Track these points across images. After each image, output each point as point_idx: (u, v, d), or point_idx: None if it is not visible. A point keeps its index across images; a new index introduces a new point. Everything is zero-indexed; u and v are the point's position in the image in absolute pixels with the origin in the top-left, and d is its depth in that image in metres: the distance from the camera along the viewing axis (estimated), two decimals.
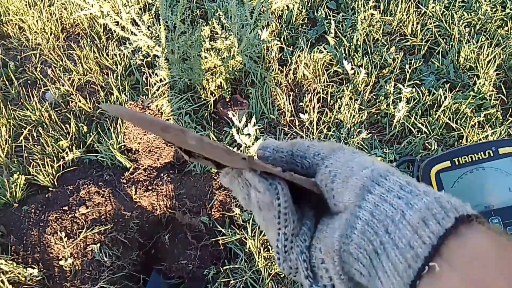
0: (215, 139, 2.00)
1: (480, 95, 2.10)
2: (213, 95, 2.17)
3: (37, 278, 1.71)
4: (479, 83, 2.14)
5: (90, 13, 1.83)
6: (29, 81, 2.36)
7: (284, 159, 0.42)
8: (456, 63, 2.26)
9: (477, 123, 2.04)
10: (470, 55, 2.23)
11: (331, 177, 0.38)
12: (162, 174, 1.95)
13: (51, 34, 2.51)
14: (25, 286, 1.70)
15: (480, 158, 0.63)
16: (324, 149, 0.41)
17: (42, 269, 1.74)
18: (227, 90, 2.14)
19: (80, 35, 2.52)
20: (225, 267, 1.75)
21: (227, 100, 2.15)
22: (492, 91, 2.14)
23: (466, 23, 2.40)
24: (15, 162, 2.02)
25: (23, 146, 2.07)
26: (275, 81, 2.23)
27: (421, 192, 0.34)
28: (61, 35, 2.52)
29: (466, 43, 2.27)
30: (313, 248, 0.39)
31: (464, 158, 0.63)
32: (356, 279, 0.37)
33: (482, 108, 2.10)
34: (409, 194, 0.34)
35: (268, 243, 1.79)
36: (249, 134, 1.94)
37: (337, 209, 0.38)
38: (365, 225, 0.35)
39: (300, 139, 0.42)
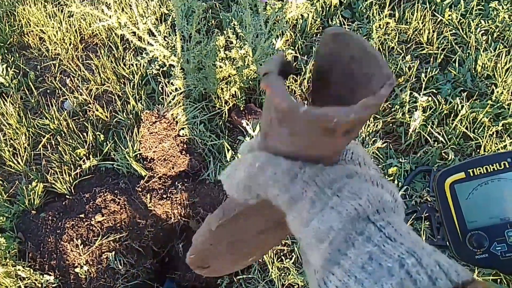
0: (229, 147, 2.01)
1: (498, 104, 2.07)
2: (228, 104, 2.18)
3: (53, 285, 1.74)
4: (497, 91, 2.10)
5: (108, 24, 1.87)
6: (48, 91, 2.41)
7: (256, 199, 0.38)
8: (473, 71, 2.22)
9: (495, 132, 2.00)
10: (487, 63, 2.20)
11: (297, 238, 0.35)
12: (176, 183, 1.96)
13: (70, 44, 2.57)
14: None
15: (496, 169, 0.62)
16: (281, 197, 0.34)
17: (58, 276, 1.76)
18: (241, 99, 2.15)
19: (98, 46, 2.57)
20: (238, 277, 1.74)
21: (241, 109, 2.16)
22: (511, 99, 2.10)
23: (484, 31, 2.37)
24: (34, 169, 2.07)
25: (42, 154, 2.11)
26: (289, 90, 2.23)
27: (384, 272, 0.29)
28: (80, 46, 2.58)
29: (483, 51, 2.24)
30: None
31: (479, 169, 0.62)
32: None
33: (500, 117, 2.06)
34: (371, 276, 0.29)
35: (281, 253, 1.79)
36: None
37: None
38: None
39: (250, 170, 0.36)
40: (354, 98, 0.34)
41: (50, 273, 1.76)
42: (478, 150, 1.97)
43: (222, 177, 0.40)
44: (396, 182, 1.90)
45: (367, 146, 1.99)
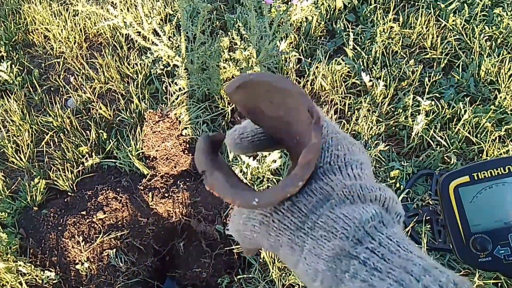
0: None
1: (501, 109, 2.07)
2: (231, 104, 2.19)
3: (54, 281, 1.74)
4: (500, 97, 2.10)
5: (113, 24, 1.87)
6: (52, 88, 2.42)
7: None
8: (477, 76, 2.23)
9: (497, 137, 2.00)
10: (491, 68, 2.21)
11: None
12: (178, 182, 1.97)
13: (74, 43, 2.58)
14: None
15: (500, 173, 0.62)
16: (265, 245, 0.36)
17: (59, 272, 1.77)
18: None
19: (103, 45, 2.58)
20: (238, 277, 1.75)
21: None
22: None
23: (487, 37, 2.37)
24: (36, 166, 2.07)
25: (45, 151, 2.12)
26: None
27: None
28: (84, 44, 2.59)
29: (487, 57, 2.25)
30: None
31: (484, 173, 0.63)
32: None
33: (503, 123, 2.07)
34: None
35: None
36: None
37: None
38: None
39: (239, 227, 0.39)
40: (291, 117, 0.37)
41: (51, 269, 1.76)
42: (480, 155, 1.98)
43: (231, 230, 0.42)
44: (398, 185, 1.91)
45: (369, 148, 2.00)
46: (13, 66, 2.44)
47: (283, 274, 1.72)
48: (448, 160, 1.95)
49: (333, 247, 0.32)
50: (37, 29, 2.68)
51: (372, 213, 0.33)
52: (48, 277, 1.72)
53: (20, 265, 1.71)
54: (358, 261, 0.31)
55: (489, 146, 1.96)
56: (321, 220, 0.33)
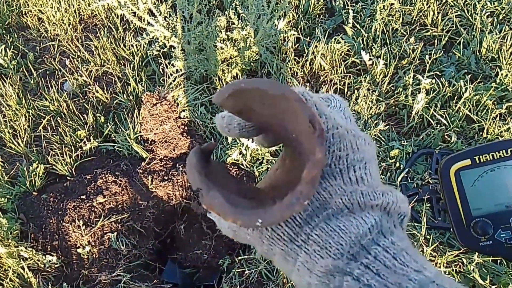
0: None
1: (502, 87, 2.05)
2: None
3: (56, 265, 1.75)
4: (501, 74, 2.08)
5: (108, 4, 1.83)
6: (47, 72, 2.39)
7: None
8: (478, 53, 2.20)
9: (498, 115, 1.99)
10: (492, 45, 2.17)
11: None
12: (178, 165, 1.96)
13: (69, 25, 2.53)
14: (44, 273, 1.74)
15: (502, 156, 0.61)
16: (259, 251, 0.36)
17: (60, 256, 1.78)
18: None
19: (98, 26, 2.54)
20: (239, 258, 1.76)
21: None
22: None
23: (489, 13, 2.33)
24: (34, 151, 2.06)
25: (42, 135, 2.10)
26: (292, 72, 2.20)
27: None
28: (79, 26, 2.54)
29: (488, 33, 2.21)
30: None
31: (485, 156, 0.61)
32: None
33: (504, 100, 2.05)
34: None
35: None
36: None
37: None
38: None
39: (234, 233, 0.38)
40: (287, 117, 0.35)
41: (52, 253, 1.77)
42: (481, 133, 1.97)
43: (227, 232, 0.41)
44: (398, 164, 1.90)
45: (369, 128, 1.98)
46: (7, 49, 2.41)
47: None
48: (448, 139, 1.94)
49: (326, 263, 0.31)
50: (31, 11, 2.63)
51: (370, 223, 0.32)
52: (50, 261, 1.73)
53: (21, 250, 1.72)
54: (351, 277, 0.30)
55: (490, 124, 1.95)
56: (315, 232, 0.32)
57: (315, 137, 0.32)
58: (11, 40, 2.51)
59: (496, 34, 2.21)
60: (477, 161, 0.62)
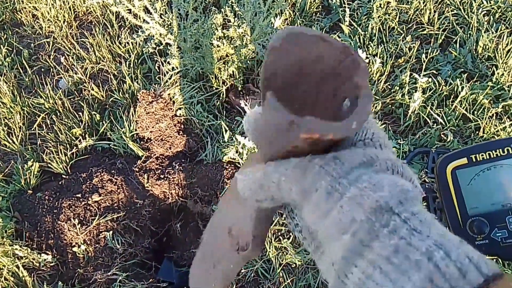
0: (227, 128, 1.99)
1: (499, 86, 2.05)
2: (225, 84, 2.16)
3: (51, 264, 1.74)
4: (498, 73, 2.08)
5: (103, 1, 1.82)
6: (42, 69, 2.37)
7: (269, 203, 0.36)
8: (474, 52, 2.20)
9: (494, 114, 1.99)
10: (488, 44, 2.17)
11: (309, 237, 0.34)
12: (174, 163, 1.95)
13: (64, 22, 2.52)
14: (39, 272, 1.73)
15: (498, 155, 0.61)
16: (294, 191, 0.33)
17: (55, 255, 1.77)
18: (239, 79, 2.12)
19: (93, 23, 2.52)
20: None
21: (239, 89, 2.13)
22: (511, 81, 2.08)
23: (485, 12, 2.33)
24: (29, 149, 2.05)
25: (37, 133, 2.09)
26: None
27: (412, 265, 0.28)
28: (74, 23, 2.53)
29: (484, 32, 2.21)
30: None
31: (482, 155, 0.61)
32: None
33: (500, 99, 2.05)
34: (397, 269, 0.28)
35: (279, 233, 1.80)
36: None
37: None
38: None
39: (266, 169, 0.35)
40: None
41: (47, 252, 1.76)
42: (477, 132, 1.97)
43: (239, 175, 0.38)
44: None
45: None
46: (1, 46, 2.39)
47: (280, 254, 1.74)
48: (445, 138, 1.94)
49: (378, 198, 0.30)
50: (25, 8, 2.61)
51: (411, 188, 0.33)
52: (45, 260, 1.72)
53: (16, 249, 1.71)
54: (400, 219, 0.30)
55: (486, 123, 1.95)
56: (368, 175, 0.32)
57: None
58: (5, 37, 2.49)
59: (493, 33, 2.21)
60: (474, 160, 0.62)
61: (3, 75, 2.31)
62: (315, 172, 0.32)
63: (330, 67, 0.34)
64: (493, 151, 0.61)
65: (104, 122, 2.07)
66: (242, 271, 1.71)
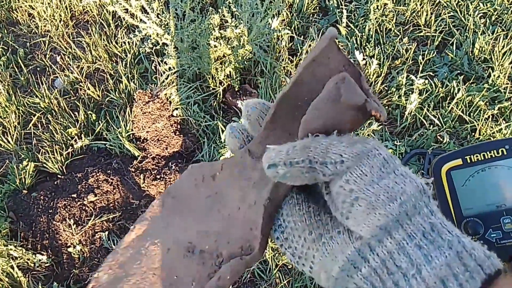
0: (223, 129, 1.99)
1: (495, 88, 2.06)
2: (222, 84, 2.15)
3: (46, 265, 1.73)
4: (494, 75, 2.09)
5: (99, 0, 1.82)
6: (38, 68, 2.36)
7: (303, 171, 0.34)
8: (471, 54, 2.21)
9: (490, 116, 2.00)
10: (485, 46, 2.18)
11: (351, 200, 0.32)
12: (170, 163, 1.95)
13: (60, 21, 2.51)
14: (34, 272, 1.72)
15: (493, 156, 0.61)
16: (348, 152, 0.33)
17: (51, 255, 1.76)
18: (236, 80, 2.12)
19: (89, 23, 2.51)
20: None
21: (236, 89, 2.13)
22: (507, 83, 2.09)
23: (482, 14, 2.34)
24: (24, 149, 2.04)
25: (32, 133, 2.08)
26: (285, 71, 2.20)
27: (445, 243, 0.30)
28: (70, 22, 2.52)
29: (481, 35, 2.22)
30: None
31: (477, 156, 0.61)
32: None
33: (496, 101, 2.06)
34: (431, 244, 0.30)
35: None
36: None
37: (345, 225, 0.34)
38: (372, 272, 0.31)
39: (312, 136, 0.35)
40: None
41: (42, 252, 1.75)
42: (473, 134, 1.97)
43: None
44: None
45: (362, 128, 1.98)
46: None
47: (276, 255, 1.73)
48: (441, 139, 1.94)
49: (419, 184, 0.33)
50: (21, 6, 2.60)
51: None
52: (40, 260, 1.71)
53: (11, 249, 1.69)
54: (435, 205, 0.34)
55: (482, 125, 1.96)
56: (404, 168, 0.35)
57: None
58: (0, 35, 2.48)
59: (489, 35, 2.22)
60: (468, 161, 0.62)
61: None
62: (374, 142, 0.35)
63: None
64: (488, 152, 0.61)
65: (100, 122, 2.06)
66: None
